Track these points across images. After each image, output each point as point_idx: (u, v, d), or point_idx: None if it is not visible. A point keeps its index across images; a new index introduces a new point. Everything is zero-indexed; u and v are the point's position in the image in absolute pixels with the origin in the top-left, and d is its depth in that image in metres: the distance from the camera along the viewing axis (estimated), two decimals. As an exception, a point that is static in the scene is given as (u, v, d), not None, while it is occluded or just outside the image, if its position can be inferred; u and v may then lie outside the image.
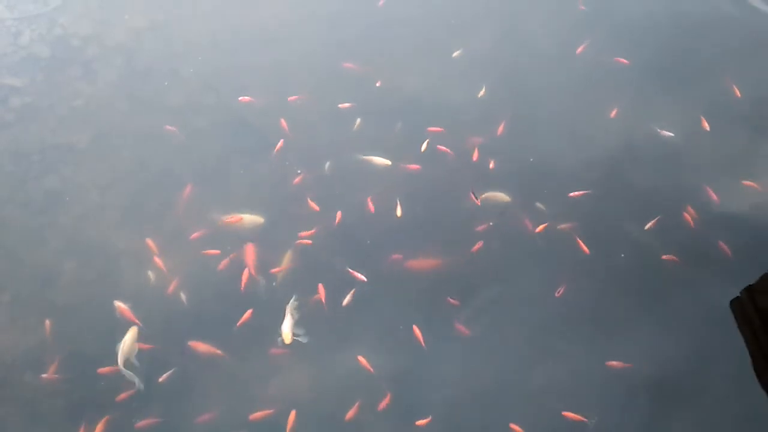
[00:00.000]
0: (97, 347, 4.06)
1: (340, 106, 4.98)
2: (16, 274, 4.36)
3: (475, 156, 4.73)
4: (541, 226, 4.43)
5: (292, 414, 3.85)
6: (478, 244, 4.40)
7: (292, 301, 4.19)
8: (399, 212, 4.50)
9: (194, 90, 5.14)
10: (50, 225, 4.53)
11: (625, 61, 5.19)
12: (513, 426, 3.80)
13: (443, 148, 4.77)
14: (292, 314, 4.14)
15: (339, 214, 4.50)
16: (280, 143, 4.79)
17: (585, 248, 4.35)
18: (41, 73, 5.21)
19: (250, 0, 5.68)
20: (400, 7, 5.60)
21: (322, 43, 5.37)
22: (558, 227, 4.46)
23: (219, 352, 4.05)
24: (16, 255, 4.43)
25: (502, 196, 4.59)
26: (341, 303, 4.19)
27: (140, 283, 4.28)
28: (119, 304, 4.18)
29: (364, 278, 4.25)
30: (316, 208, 4.53)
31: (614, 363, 4.00)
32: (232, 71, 5.24)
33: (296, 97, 5.02)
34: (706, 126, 4.82)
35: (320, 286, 4.23)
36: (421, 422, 3.84)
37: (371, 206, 4.52)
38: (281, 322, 4.10)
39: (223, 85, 5.14)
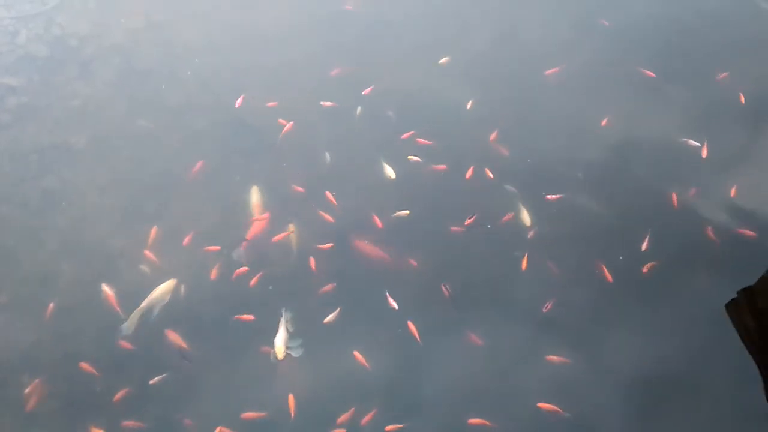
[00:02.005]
0: (95, 348, 4.06)
1: (322, 103, 4.98)
2: (14, 275, 4.35)
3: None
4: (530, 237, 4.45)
5: (291, 398, 3.85)
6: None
7: (284, 313, 4.13)
8: (400, 213, 4.49)
9: (192, 91, 5.13)
10: (48, 226, 4.52)
11: (651, 73, 5.18)
12: (472, 420, 3.80)
13: (426, 140, 4.80)
14: (286, 328, 4.05)
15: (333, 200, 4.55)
16: (288, 126, 4.81)
17: (586, 253, 4.37)
18: (38, 73, 5.21)
19: (246, 1, 5.67)
20: (401, 9, 5.62)
21: (320, 44, 5.37)
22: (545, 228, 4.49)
23: (184, 345, 4.03)
24: (14, 256, 4.42)
25: (525, 217, 4.53)
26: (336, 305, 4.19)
27: (138, 283, 4.27)
28: (106, 289, 4.19)
29: (395, 306, 4.15)
30: (319, 211, 4.54)
31: (554, 357, 4.00)
32: (229, 72, 5.24)
33: (289, 98, 5.02)
34: (705, 146, 4.82)
35: (311, 259, 4.27)
36: (390, 428, 3.79)
37: (373, 214, 4.53)
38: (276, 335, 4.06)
39: (221, 86, 5.13)
